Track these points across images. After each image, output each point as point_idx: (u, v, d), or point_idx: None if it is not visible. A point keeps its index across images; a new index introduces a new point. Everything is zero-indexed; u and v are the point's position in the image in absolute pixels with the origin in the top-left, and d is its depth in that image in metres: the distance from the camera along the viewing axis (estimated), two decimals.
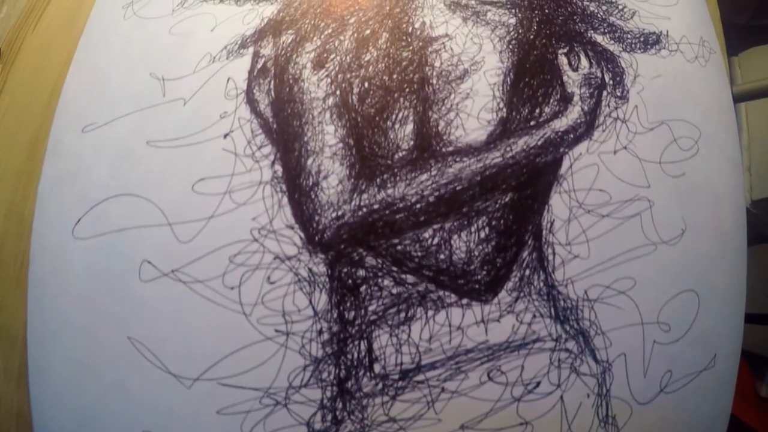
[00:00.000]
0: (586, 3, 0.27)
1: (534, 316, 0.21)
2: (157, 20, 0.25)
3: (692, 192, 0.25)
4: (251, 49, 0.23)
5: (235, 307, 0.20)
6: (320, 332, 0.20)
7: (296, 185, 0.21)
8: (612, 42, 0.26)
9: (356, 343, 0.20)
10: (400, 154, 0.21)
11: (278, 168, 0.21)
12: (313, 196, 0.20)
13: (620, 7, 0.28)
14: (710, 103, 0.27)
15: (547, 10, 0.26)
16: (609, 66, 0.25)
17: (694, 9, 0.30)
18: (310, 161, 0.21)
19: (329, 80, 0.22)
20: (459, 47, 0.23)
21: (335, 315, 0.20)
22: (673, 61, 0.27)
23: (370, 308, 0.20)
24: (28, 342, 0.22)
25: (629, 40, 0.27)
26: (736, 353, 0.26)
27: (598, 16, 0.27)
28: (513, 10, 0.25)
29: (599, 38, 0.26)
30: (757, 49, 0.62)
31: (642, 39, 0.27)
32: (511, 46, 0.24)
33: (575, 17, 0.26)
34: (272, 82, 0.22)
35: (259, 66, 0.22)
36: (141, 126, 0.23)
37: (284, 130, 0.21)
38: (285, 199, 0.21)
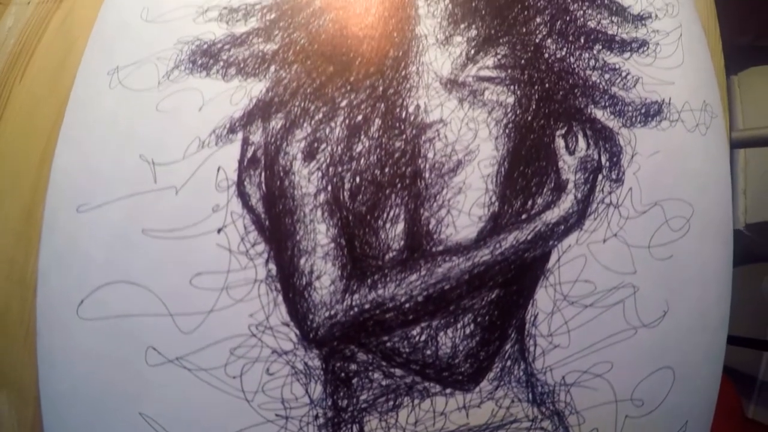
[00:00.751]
0: (588, 73, 0.26)
1: (512, 401, 0.23)
2: (144, 93, 0.24)
3: (678, 273, 0.25)
4: (240, 135, 0.22)
5: (237, 394, 0.22)
6: (316, 417, 0.22)
7: (290, 284, 0.21)
8: (612, 117, 0.25)
9: (349, 426, 0.22)
10: (391, 255, 0.21)
11: (272, 266, 0.22)
12: (306, 296, 0.21)
13: (623, 74, 0.26)
14: (707, 175, 0.27)
15: (547, 85, 0.25)
16: (607, 145, 0.25)
17: (699, 68, 0.29)
18: (302, 261, 0.21)
19: (320, 173, 0.22)
20: (454, 134, 0.23)
21: (330, 403, 0.22)
22: (673, 134, 0.26)
23: (362, 397, 0.22)
24: (41, 403, 0.24)
25: (630, 114, 0.26)
26: (709, 415, 0.28)
27: (600, 87, 0.25)
28: (512, 87, 0.24)
29: (599, 113, 0.25)
30: (757, 69, 0.60)
31: (643, 111, 0.26)
32: (507, 131, 0.23)
33: (576, 90, 0.25)
34: (263, 174, 0.22)
35: (249, 155, 0.22)
36: (135, 213, 0.23)
37: (277, 227, 0.21)
38: (280, 298, 0.21)
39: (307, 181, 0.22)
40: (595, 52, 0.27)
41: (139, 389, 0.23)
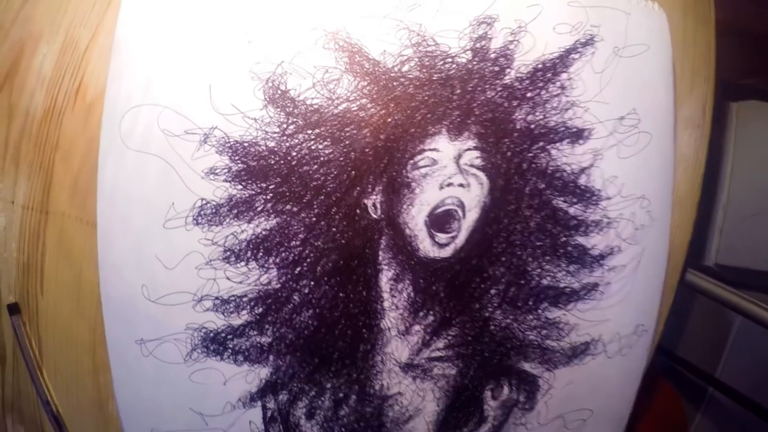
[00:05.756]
0: (527, 333, 0.30)
1: None
2: (174, 366, 0.31)
3: None
4: (259, 403, 0.31)
5: None
6: None
7: None
8: (539, 365, 0.31)
9: None
10: None
11: None
12: None
13: (560, 326, 0.30)
14: (614, 386, 0.34)
15: (487, 354, 0.30)
16: (527, 388, 0.32)
17: (645, 294, 0.31)
18: None
19: (318, 427, 0.31)
20: (407, 400, 0.30)
21: None
22: (592, 365, 0.32)
23: None
24: None
25: (556, 360, 0.31)
26: None
27: (535, 343, 0.30)
28: (456, 361, 0.30)
29: (528, 365, 0.31)
30: (760, 104, 0.52)
31: (570, 354, 0.31)
32: (447, 394, 0.31)
33: (511, 352, 0.30)
34: (281, 426, 0.31)
35: (269, 416, 0.31)
36: None
37: None
38: None
39: (311, 430, 0.32)
40: (539, 311, 0.31)
41: None
